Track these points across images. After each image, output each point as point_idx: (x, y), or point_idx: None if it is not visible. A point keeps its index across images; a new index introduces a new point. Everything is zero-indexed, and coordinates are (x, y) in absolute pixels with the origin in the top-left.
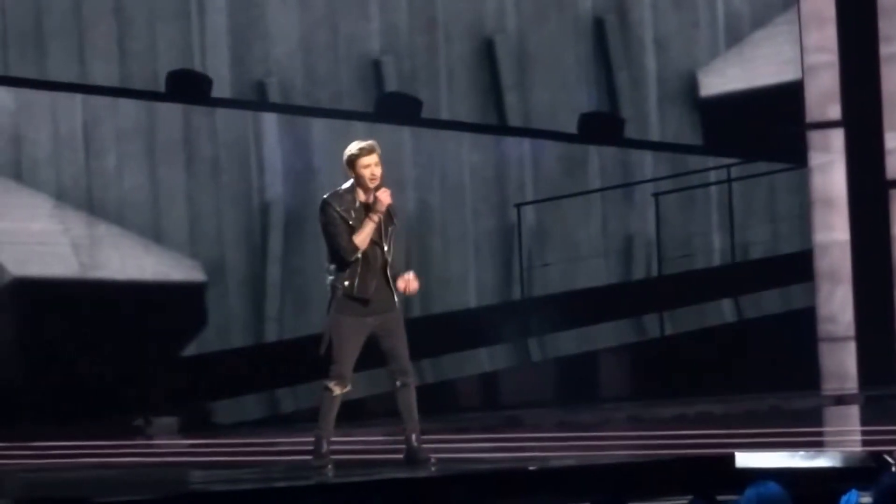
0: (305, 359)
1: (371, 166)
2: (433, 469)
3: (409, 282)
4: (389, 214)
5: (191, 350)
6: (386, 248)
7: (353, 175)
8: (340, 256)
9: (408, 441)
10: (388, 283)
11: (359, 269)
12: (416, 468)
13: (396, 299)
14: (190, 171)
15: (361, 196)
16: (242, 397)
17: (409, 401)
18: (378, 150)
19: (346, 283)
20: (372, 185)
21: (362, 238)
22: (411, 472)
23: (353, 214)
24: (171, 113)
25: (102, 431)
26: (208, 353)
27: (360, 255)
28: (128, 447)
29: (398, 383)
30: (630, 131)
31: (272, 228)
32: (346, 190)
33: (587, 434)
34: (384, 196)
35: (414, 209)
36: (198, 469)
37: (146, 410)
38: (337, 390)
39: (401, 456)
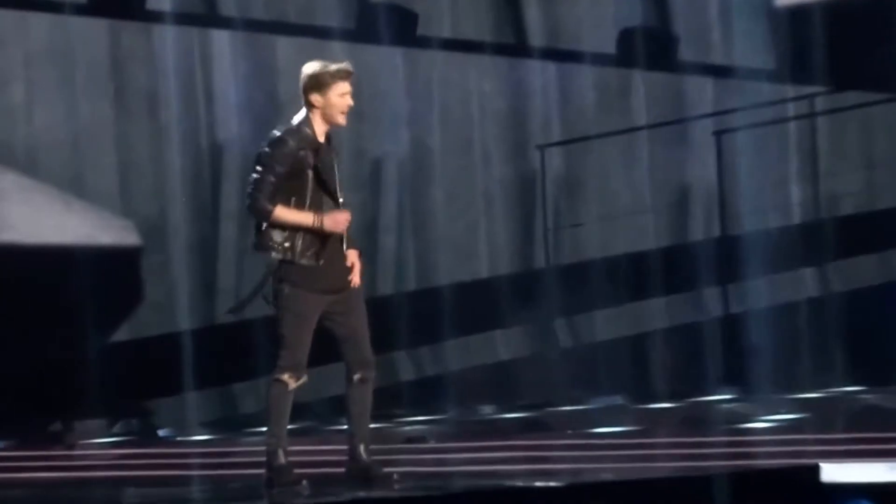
0: (269, 345)
1: (348, 95)
2: (397, 487)
3: (355, 265)
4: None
5: (123, 333)
6: (342, 201)
7: (319, 103)
8: (250, 204)
9: (353, 452)
10: (343, 252)
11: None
12: (374, 487)
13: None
14: (120, 106)
15: (319, 132)
16: (189, 393)
17: (367, 401)
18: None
19: (300, 246)
20: (343, 121)
21: (290, 220)
22: (372, 491)
23: (314, 156)
24: (94, 31)
25: (10, 438)
26: (145, 337)
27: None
28: (43, 458)
29: (356, 377)
30: (684, 52)
31: (225, 177)
32: (303, 122)
33: (629, 441)
34: (340, 222)
35: (407, 153)
36: (131, 485)
37: (67, 411)
38: (292, 383)
39: (341, 470)
